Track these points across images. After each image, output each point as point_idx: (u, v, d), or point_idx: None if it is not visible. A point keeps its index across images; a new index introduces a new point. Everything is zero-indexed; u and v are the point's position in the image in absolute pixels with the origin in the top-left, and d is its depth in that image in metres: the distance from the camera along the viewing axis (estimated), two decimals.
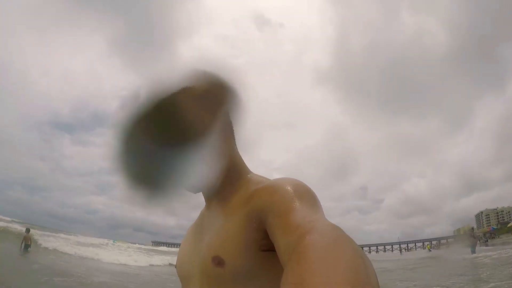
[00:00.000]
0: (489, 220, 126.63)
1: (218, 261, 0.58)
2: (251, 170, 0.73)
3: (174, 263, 0.76)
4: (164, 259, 18.04)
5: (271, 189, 0.58)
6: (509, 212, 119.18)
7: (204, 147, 0.59)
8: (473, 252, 15.91)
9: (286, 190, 0.56)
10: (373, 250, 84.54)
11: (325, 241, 0.37)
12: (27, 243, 12.21)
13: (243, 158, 0.73)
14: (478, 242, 20.41)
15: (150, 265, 15.50)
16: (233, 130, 0.70)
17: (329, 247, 0.35)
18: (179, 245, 0.80)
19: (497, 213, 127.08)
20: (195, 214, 0.80)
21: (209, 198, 0.72)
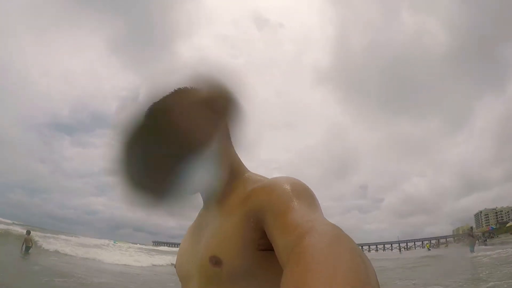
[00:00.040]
0: (488, 220, 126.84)
1: (216, 261, 0.58)
2: (252, 170, 0.73)
3: (175, 262, 0.76)
4: (165, 259, 18.01)
5: (269, 188, 0.58)
6: (508, 212, 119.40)
7: (204, 153, 0.60)
8: (472, 251, 15.97)
9: (284, 189, 0.55)
10: (372, 249, 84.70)
11: (324, 242, 0.36)
12: (28, 245, 12.17)
13: (242, 158, 0.73)
14: (477, 241, 20.43)
15: (151, 265, 15.46)
16: (231, 131, 0.70)
17: (328, 248, 0.35)
18: (180, 245, 0.80)
19: (496, 213, 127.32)
20: (195, 214, 0.79)
21: (207, 198, 0.72)
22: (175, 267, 0.74)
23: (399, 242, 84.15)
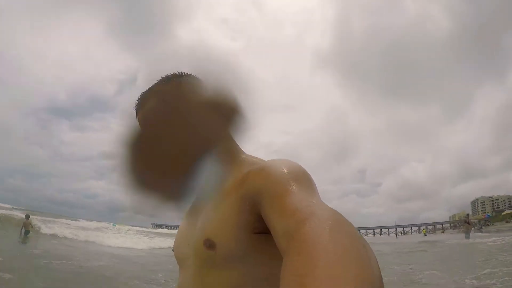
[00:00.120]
0: (485, 207, 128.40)
1: (210, 244, 0.57)
2: (251, 153, 0.71)
3: (173, 245, 0.76)
4: (164, 241, 18.29)
5: (266, 170, 0.56)
6: (504, 200, 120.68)
7: (208, 154, 0.62)
8: (468, 238, 16.23)
9: (281, 172, 0.53)
10: (370, 233, 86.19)
11: (325, 228, 0.35)
12: (27, 229, 12.30)
13: (240, 140, 0.72)
14: (472, 228, 20.73)
15: (150, 248, 15.70)
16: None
17: (329, 235, 0.34)
18: (178, 228, 0.80)
19: (493, 201, 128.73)
20: None
21: None
22: (173, 250, 0.74)
23: (396, 227, 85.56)
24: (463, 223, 20.68)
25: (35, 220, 15.12)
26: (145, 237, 21.90)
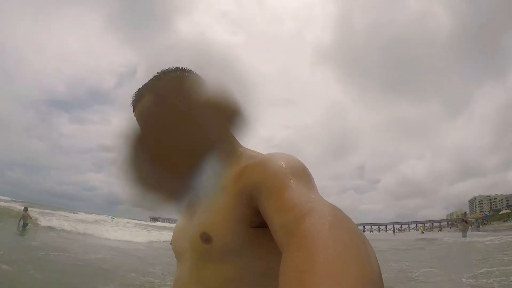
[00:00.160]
0: (482, 206, 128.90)
1: (206, 238, 0.57)
2: (251, 147, 0.71)
3: (171, 238, 0.77)
4: (163, 234, 18.22)
5: (264, 164, 0.55)
6: (502, 200, 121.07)
7: (209, 154, 0.62)
8: (465, 236, 16.29)
9: (280, 166, 0.53)
10: (367, 230, 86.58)
11: (325, 224, 0.35)
12: (25, 221, 12.29)
13: (240, 134, 0.71)
14: (470, 227, 20.80)
15: (148, 241, 15.69)
16: (228, 115, 0.68)
17: (329, 231, 0.34)
18: (177, 221, 0.80)
19: (491, 200, 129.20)
20: None
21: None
22: (171, 243, 0.74)
23: (393, 224, 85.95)
24: (460, 222, 20.77)
25: (33, 212, 15.12)
26: (143, 230, 21.89)
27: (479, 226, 36.86)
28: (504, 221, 53.28)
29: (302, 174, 0.53)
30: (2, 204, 19.12)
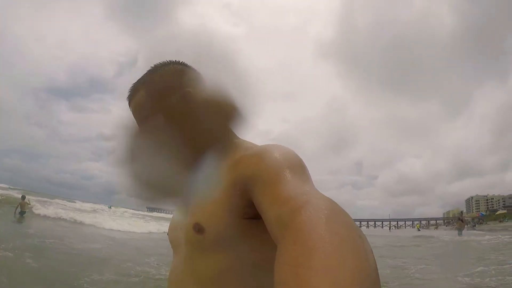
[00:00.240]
0: (479, 206, 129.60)
1: (199, 229, 0.57)
2: (249, 140, 0.70)
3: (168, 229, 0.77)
4: (160, 224, 18.22)
5: (259, 156, 0.55)
6: (498, 200, 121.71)
7: (207, 153, 0.62)
8: (460, 234, 16.40)
9: (275, 158, 0.52)
10: (364, 225, 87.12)
11: (321, 218, 0.34)
12: (23, 209, 12.23)
13: (238, 127, 0.71)
14: (465, 226, 20.91)
15: (145, 231, 15.67)
16: (223, 109, 0.67)
17: (325, 224, 0.33)
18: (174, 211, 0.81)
19: (487, 200, 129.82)
20: None
21: None
22: (167, 234, 0.74)
23: (390, 220, 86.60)
24: (456, 220, 20.85)
25: (31, 200, 15.05)
26: (140, 220, 21.92)
27: (475, 226, 37.09)
28: (500, 221, 53.61)
29: (297, 166, 0.52)
30: (0, 191, 19.10)
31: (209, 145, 0.63)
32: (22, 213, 12.21)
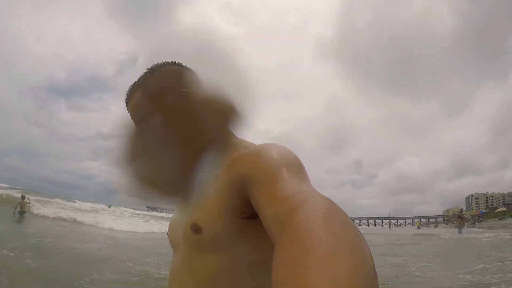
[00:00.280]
0: (479, 204, 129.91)
1: (196, 229, 0.57)
2: (248, 140, 0.70)
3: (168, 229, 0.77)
4: (160, 224, 18.12)
5: (255, 155, 0.55)
6: (498, 198, 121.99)
7: (205, 153, 0.62)
8: (460, 232, 16.40)
9: (272, 157, 0.52)
10: (363, 224, 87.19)
11: (318, 217, 0.34)
12: (22, 209, 12.18)
13: (235, 129, 0.71)
14: (465, 223, 20.93)
15: (145, 230, 15.56)
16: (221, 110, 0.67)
17: (323, 224, 0.33)
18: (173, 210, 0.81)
19: (487, 198, 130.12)
20: None
21: None
22: (167, 234, 0.74)
23: (390, 219, 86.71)
24: (456, 218, 20.87)
25: (30, 199, 15.01)
26: (140, 219, 21.89)
27: (475, 223, 37.11)
28: (500, 219, 53.73)
29: (294, 165, 0.52)
30: (0, 191, 19.04)
31: (207, 145, 0.63)
32: (21, 213, 12.14)
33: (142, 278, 4.97)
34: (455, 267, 6.11)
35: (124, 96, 0.69)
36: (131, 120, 0.67)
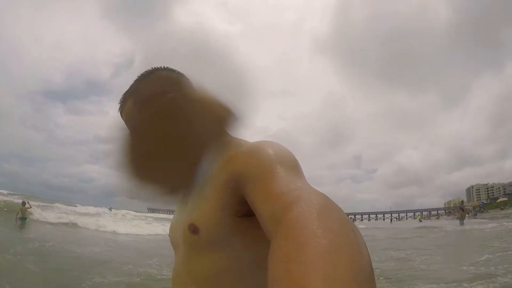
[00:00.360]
0: (479, 194, 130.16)
1: (194, 229, 0.57)
2: (246, 138, 0.70)
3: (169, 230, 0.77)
4: (161, 225, 18.05)
5: (249, 152, 0.55)
6: (499, 188, 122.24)
7: (202, 154, 0.61)
8: (462, 224, 16.40)
9: (266, 154, 0.52)
10: (365, 218, 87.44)
11: (313, 213, 0.34)
12: (23, 215, 12.10)
13: (231, 128, 0.71)
14: (467, 215, 20.93)
15: (146, 232, 15.53)
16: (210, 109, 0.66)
17: (318, 220, 0.33)
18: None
19: (488, 188, 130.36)
20: None
21: None
22: (168, 235, 0.75)
23: (391, 213, 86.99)
24: (458, 210, 20.90)
25: (31, 204, 14.97)
26: (141, 221, 21.84)
27: (476, 214, 37.21)
28: (501, 209, 53.85)
29: (289, 161, 0.52)
30: (0, 198, 18.97)
31: (201, 146, 0.62)
32: (23, 219, 12.07)
33: (145, 280, 4.95)
34: (459, 259, 6.10)
35: (120, 100, 0.71)
36: (126, 127, 0.67)
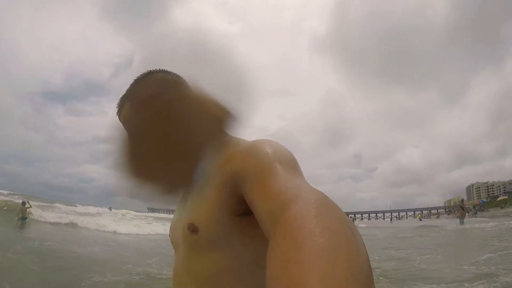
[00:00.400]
0: (480, 193, 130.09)
1: (193, 229, 0.57)
2: (245, 137, 0.70)
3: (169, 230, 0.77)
4: (161, 225, 18.04)
5: (247, 151, 0.55)
6: (499, 186, 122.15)
7: (200, 155, 0.61)
8: (462, 223, 16.37)
9: (264, 153, 0.53)
10: (365, 218, 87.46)
11: (310, 211, 0.34)
12: (24, 215, 12.15)
13: (229, 128, 0.71)
14: (467, 214, 20.92)
15: (146, 232, 15.52)
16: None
17: (315, 218, 0.33)
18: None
19: (488, 187, 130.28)
20: None
21: None
22: (169, 235, 0.75)
23: (391, 212, 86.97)
24: (458, 208, 20.89)
25: (31, 204, 14.96)
26: (141, 221, 21.82)
27: (476, 213, 37.25)
28: (502, 208, 53.93)
29: (287, 160, 0.52)
30: (0, 198, 18.96)
31: (200, 146, 0.62)
32: (23, 218, 12.11)
33: (143, 279, 4.94)
34: (460, 259, 6.08)
35: (117, 104, 0.71)
36: (125, 131, 0.67)
